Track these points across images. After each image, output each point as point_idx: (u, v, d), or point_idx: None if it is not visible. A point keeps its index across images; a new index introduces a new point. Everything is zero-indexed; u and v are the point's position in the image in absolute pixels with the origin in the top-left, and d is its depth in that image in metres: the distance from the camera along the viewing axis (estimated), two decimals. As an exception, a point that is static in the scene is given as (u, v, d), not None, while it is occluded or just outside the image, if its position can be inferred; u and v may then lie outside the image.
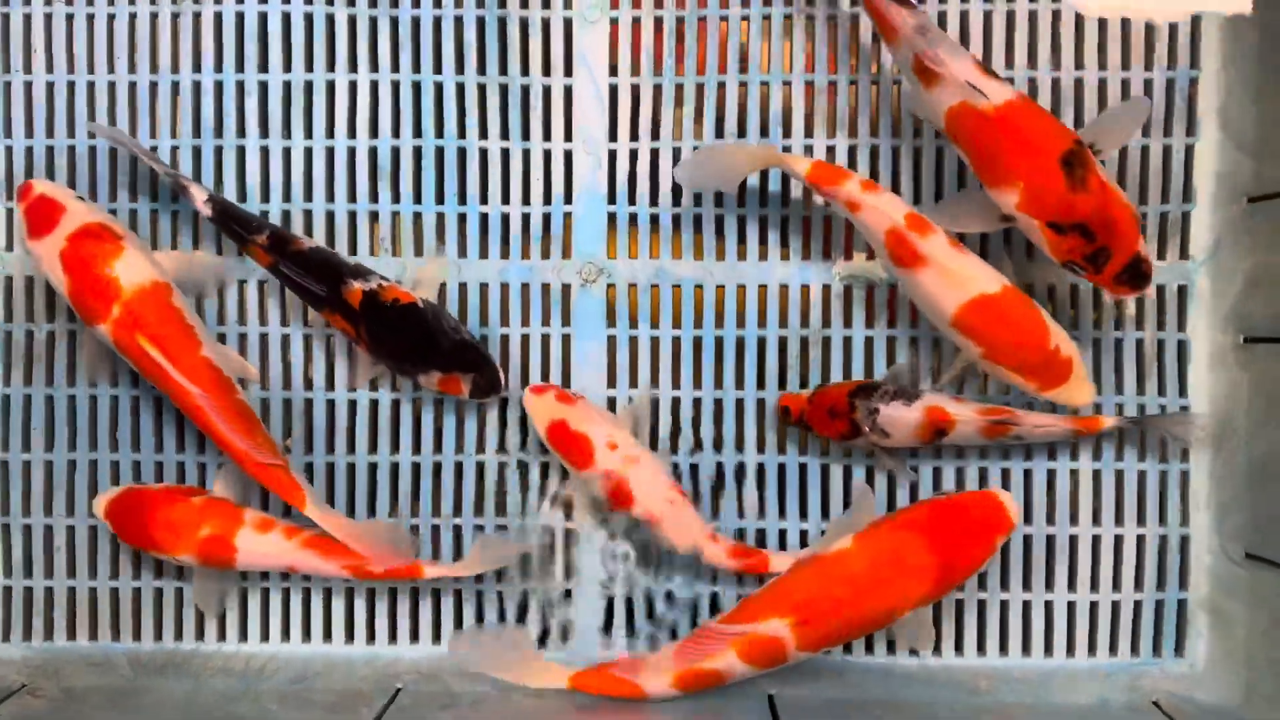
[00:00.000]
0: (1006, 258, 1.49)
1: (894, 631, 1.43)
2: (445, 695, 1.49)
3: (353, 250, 1.57)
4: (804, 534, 1.55)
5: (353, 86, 1.57)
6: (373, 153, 1.57)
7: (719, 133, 1.56)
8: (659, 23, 1.56)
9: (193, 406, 1.45)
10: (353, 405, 1.57)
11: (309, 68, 1.57)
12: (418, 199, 1.57)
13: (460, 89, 1.57)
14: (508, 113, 1.57)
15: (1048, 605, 1.55)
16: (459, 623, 1.56)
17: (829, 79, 1.56)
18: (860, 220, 1.43)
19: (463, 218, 1.57)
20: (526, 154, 1.57)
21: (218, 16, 1.56)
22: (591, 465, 1.47)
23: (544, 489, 1.57)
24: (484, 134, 1.57)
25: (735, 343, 1.56)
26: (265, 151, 1.57)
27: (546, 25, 1.56)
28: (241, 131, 1.57)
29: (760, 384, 1.56)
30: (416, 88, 1.57)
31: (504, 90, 1.57)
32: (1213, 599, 1.54)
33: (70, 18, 1.57)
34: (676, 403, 1.56)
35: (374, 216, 1.57)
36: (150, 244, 1.56)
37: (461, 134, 1.57)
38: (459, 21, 1.56)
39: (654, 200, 1.57)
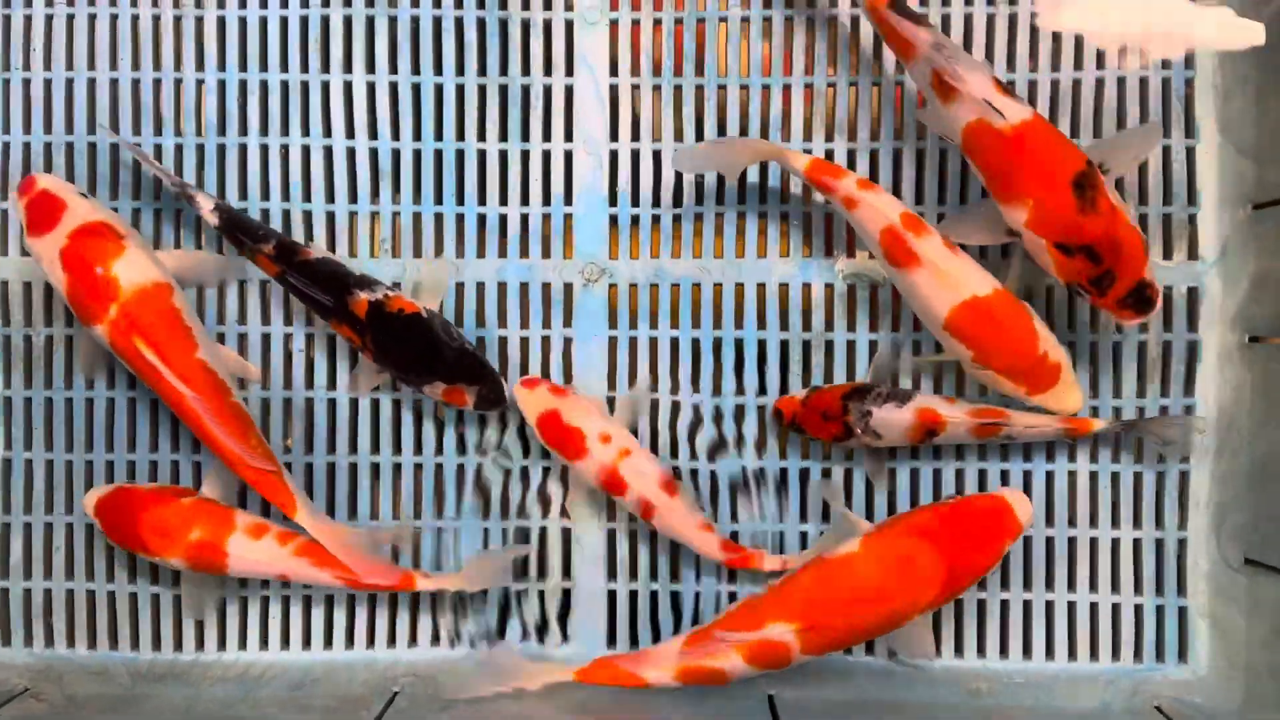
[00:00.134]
0: (1017, 258, 1.49)
1: (892, 641, 1.42)
2: (442, 699, 1.48)
3: (353, 251, 1.56)
4: (804, 535, 1.55)
5: (352, 87, 1.57)
6: (373, 153, 1.57)
7: (720, 134, 1.56)
8: (659, 24, 1.56)
9: (186, 409, 1.44)
10: (354, 405, 1.57)
11: (308, 68, 1.57)
12: (418, 199, 1.57)
13: (460, 90, 1.56)
14: (508, 113, 1.56)
15: (1049, 607, 1.55)
16: (457, 624, 1.56)
17: (829, 81, 1.56)
18: (856, 218, 1.43)
19: (462, 218, 1.57)
20: (526, 155, 1.56)
21: (220, 19, 1.56)
22: (584, 457, 1.47)
23: (544, 491, 1.56)
24: (484, 135, 1.56)
25: (735, 344, 1.56)
26: (265, 151, 1.57)
27: (547, 26, 1.56)
28: (243, 131, 1.57)
29: (761, 385, 1.56)
30: (417, 88, 1.57)
31: (504, 91, 1.56)
32: (1213, 604, 1.54)
33: (71, 18, 1.57)
34: (677, 404, 1.56)
35: (374, 217, 1.57)
36: (153, 242, 1.56)
37: (461, 135, 1.56)
38: (459, 22, 1.56)
39: (655, 201, 1.56)
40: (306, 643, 1.57)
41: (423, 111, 1.57)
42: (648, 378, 1.56)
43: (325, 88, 1.57)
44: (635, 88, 1.56)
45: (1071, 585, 1.55)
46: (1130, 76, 1.54)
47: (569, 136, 1.56)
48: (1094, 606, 1.55)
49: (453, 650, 1.56)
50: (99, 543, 1.56)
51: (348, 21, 1.56)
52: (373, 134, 1.57)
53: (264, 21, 1.56)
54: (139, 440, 1.57)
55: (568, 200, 1.56)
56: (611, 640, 1.56)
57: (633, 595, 1.56)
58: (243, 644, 1.57)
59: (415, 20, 1.56)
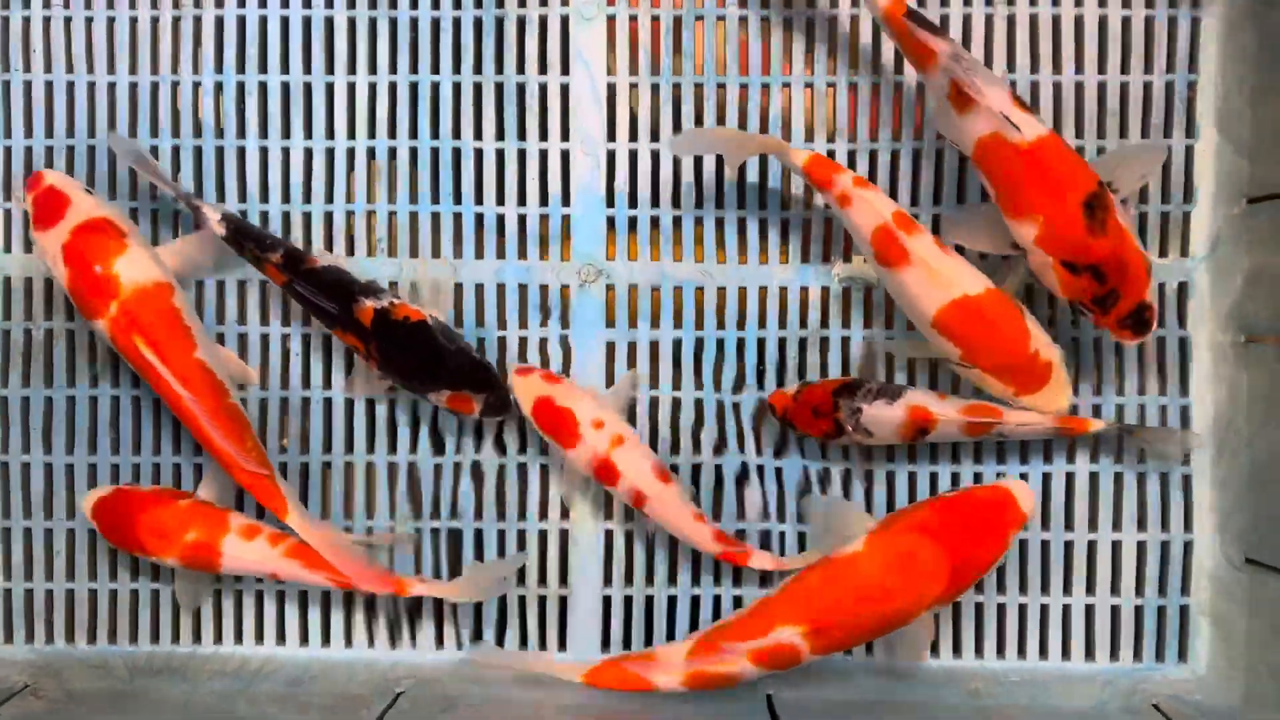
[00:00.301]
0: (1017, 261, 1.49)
1: (890, 641, 1.42)
2: (444, 699, 1.48)
3: (350, 250, 1.57)
4: (802, 536, 1.55)
5: (351, 87, 1.57)
6: (370, 153, 1.57)
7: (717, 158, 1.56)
8: (656, 21, 1.56)
9: (182, 409, 1.45)
10: (349, 406, 1.57)
11: (307, 69, 1.57)
12: (415, 199, 1.57)
13: (457, 89, 1.57)
14: (505, 113, 1.57)
15: (1047, 608, 1.55)
16: (457, 626, 1.57)
17: (828, 81, 1.56)
18: (849, 216, 1.43)
19: (460, 218, 1.57)
20: (524, 154, 1.57)
21: (218, 20, 1.57)
22: (577, 444, 1.48)
23: (544, 491, 1.57)
24: (480, 134, 1.57)
25: (735, 344, 1.56)
26: (264, 152, 1.57)
27: (544, 23, 1.56)
28: (241, 132, 1.57)
29: (760, 386, 1.56)
30: (414, 88, 1.57)
31: (501, 90, 1.57)
32: (1214, 604, 1.53)
33: (69, 20, 1.57)
34: (676, 404, 1.56)
35: (371, 216, 1.57)
36: (153, 241, 1.56)
37: (458, 134, 1.57)
38: (456, 22, 1.57)
39: (654, 201, 1.57)
40: (304, 639, 1.57)
41: (420, 111, 1.57)
42: (649, 385, 1.56)
43: (325, 88, 1.57)
44: (633, 86, 1.57)
45: (1069, 586, 1.55)
46: (1133, 79, 1.54)
47: (566, 136, 1.57)
48: (1092, 607, 1.55)
49: (456, 652, 1.57)
50: (98, 542, 1.56)
51: (347, 22, 1.57)
52: (370, 133, 1.57)
53: (263, 22, 1.57)
54: (141, 442, 1.57)
55: (565, 201, 1.57)
56: (606, 645, 1.56)
57: (628, 600, 1.56)
58: (239, 638, 1.57)
59: (414, 20, 1.57)
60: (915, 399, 1.46)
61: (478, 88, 1.57)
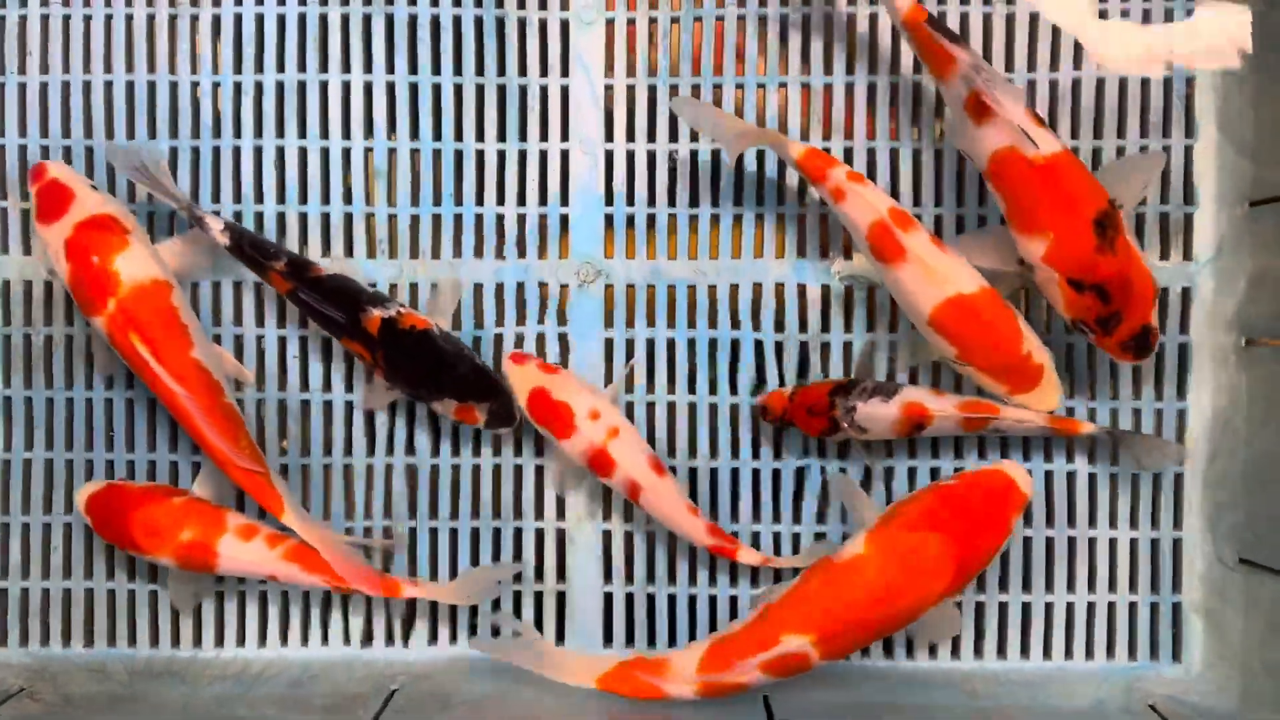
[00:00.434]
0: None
1: (914, 630, 1.42)
2: (441, 697, 1.49)
3: (349, 251, 1.56)
4: (796, 537, 1.55)
5: (348, 87, 1.57)
6: (368, 153, 1.57)
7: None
8: (654, 23, 1.56)
9: (178, 408, 1.44)
10: (349, 408, 1.57)
11: (304, 69, 1.56)
12: (414, 200, 1.56)
13: (457, 90, 1.56)
14: (505, 114, 1.56)
15: (1045, 608, 1.55)
16: (454, 625, 1.57)
17: (825, 81, 1.55)
18: (845, 211, 1.43)
19: (459, 218, 1.57)
20: (523, 155, 1.56)
21: (215, 19, 1.56)
22: (573, 435, 1.47)
23: (540, 490, 1.57)
24: (481, 135, 1.56)
25: (731, 344, 1.56)
26: (261, 152, 1.57)
27: (543, 26, 1.56)
28: (238, 132, 1.57)
29: (759, 386, 1.56)
30: (413, 89, 1.56)
31: (501, 91, 1.56)
32: (1208, 603, 1.54)
33: (66, 19, 1.56)
34: (673, 405, 1.56)
35: (370, 218, 1.57)
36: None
37: (458, 135, 1.56)
38: (456, 22, 1.56)
39: (651, 201, 1.56)
40: (305, 640, 1.57)
41: (419, 112, 1.56)
42: (646, 387, 1.56)
43: (322, 88, 1.57)
44: (631, 88, 1.56)
45: (1070, 585, 1.55)
46: (1131, 77, 1.54)
47: (565, 136, 1.56)
48: (1090, 606, 1.55)
49: (452, 649, 1.57)
50: (96, 543, 1.56)
51: (344, 21, 1.56)
52: (369, 134, 1.57)
53: (260, 20, 1.56)
54: (137, 441, 1.57)
55: (564, 200, 1.56)
56: (608, 642, 1.57)
57: (628, 598, 1.57)
58: (240, 641, 1.57)
59: (412, 20, 1.56)
60: (911, 396, 1.46)
61: (478, 89, 1.56)
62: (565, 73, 1.56)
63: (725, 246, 1.56)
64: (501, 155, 1.56)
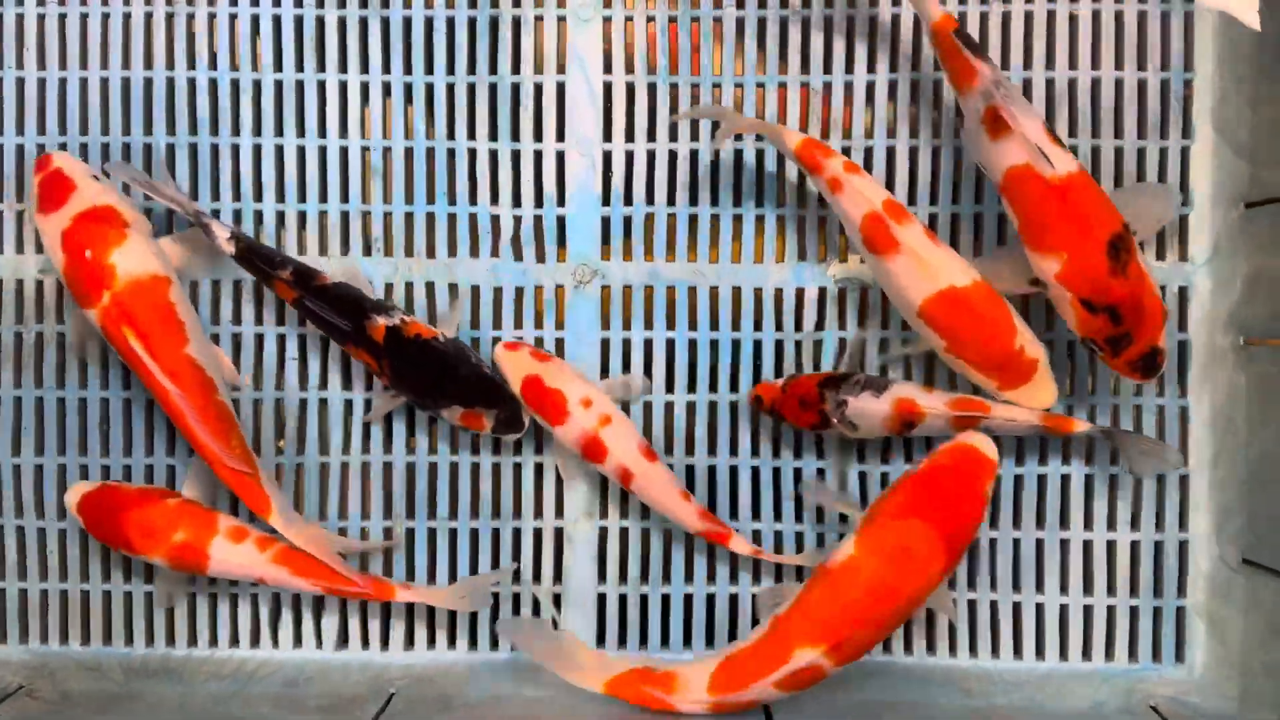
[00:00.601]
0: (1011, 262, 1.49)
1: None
2: (440, 700, 1.48)
3: (344, 250, 1.56)
4: (799, 536, 1.55)
5: (345, 86, 1.57)
6: (364, 152, 1.57)
7: (713, 134, 1.55)
8: (652, 22, 1.56)
9: (169, 404, 1.44)
10: (346, 407, 1.57)
11: (302, 68, 1.56)
12: (409, 199, 1.56)
13: (451, 89, 1.56)
14: (499, 113, 1.56)
15: (1043, 608, 1.55)
16: (452, 628, 1.56)
17: (824, 80, 1.55)
18: (840, 201, 1.43)
19: (454, 218, 1.56)
20: (518, 155, 1.56)
21: (210, 17, 1.56)
22: (565, 421, 1.47)
23: (538, 490, 1.56)
24: (475, 134, 1.56)
25: (730, 345, 1.56)
26: (258, 150, 1.57)
27: (539, 24, 1.56)
28: (235, 131, 1.57)
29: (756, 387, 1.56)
30: (408, 88, 1.56)
31: (495, 90, 1.56)
32: (1210, 604, 1.53)
33: (63, 17, 1.57)
34: (670, 406, 1.56)
35: (365, 217, 1.57)
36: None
37: (453, 134, 1.56)
38: (451, 21, 1.56)
39: (649, 201, 1.56)
40: (300, 640, 1.57)
41: (414, 110, 1.56)
42: (641, 375, 1.56)
43: (318, 87, 1.57)
44: (629, 87, 1.56)
45: (1065, 586, 1.55)
46: (1128, 75, 1.53)
47: (561, 136, 1.56)
48: (1089, 607, 1.55)
49: (450, 652, 1.57)
50: (93, 543, 1.56)
51: (341, 21, 1.56)
52: (364, 133, 1.57)
53: (255, 20, 1.56)
54: (133, 442, 1.57)
55: (560, 201, 1.56)
56: (600, 642, 1.56)
57: (623, 599, 1.56)
58: (235, 640, 1.57)
59: (407, 19, 1.56)
60: (902, 392, 1.46)
61: (472, 88, 1.56)
62: (561, 71, 1.56)
63: (724, 248, 1.56)
64: (495, 155, 1.56)
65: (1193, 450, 1.54)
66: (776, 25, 1.55)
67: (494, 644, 1.57)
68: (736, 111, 1.52)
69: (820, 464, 1.55)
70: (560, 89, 1.56)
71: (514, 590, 1.56)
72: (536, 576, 1.56)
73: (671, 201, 1.56)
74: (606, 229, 1.56)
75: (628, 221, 1.56)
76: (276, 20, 1.56)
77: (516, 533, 1.57)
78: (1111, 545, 1.55)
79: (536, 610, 1.56)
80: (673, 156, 1.56)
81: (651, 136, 1.56)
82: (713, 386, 1.56)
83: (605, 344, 1.56)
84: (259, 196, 1.56)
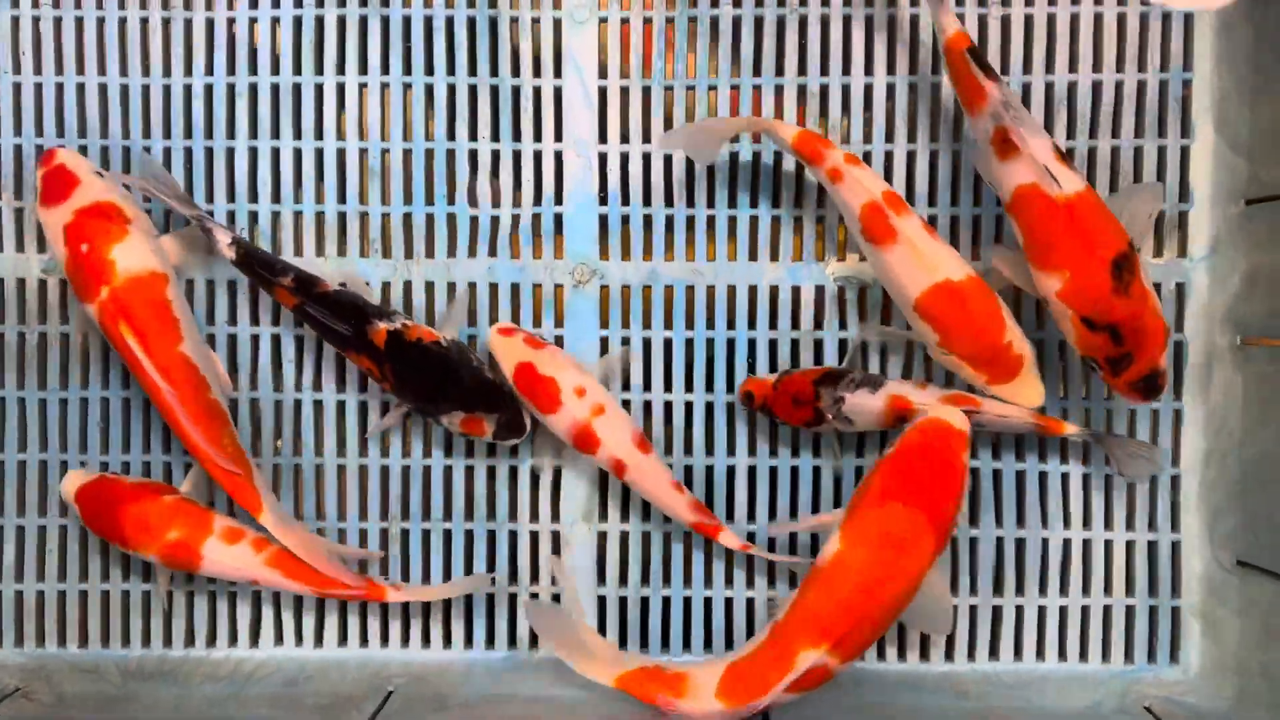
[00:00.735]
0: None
1: (908, 618, 1.39)
2: (437, 699, 1.49)
3: (342, 251, 1.56)
4: (793, 537, 1.55)
5: (343, 88, 1.57)
6: (363, 154, 1.57)
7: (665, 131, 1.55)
8: (649, 23, 1.56)
9: (161, 401, 1.44)
10: (342, 408, 1.57)
11: (299, 70, 1.56)
12: (408, 200, 1.56)
13: (450, 90, 1.56)
14: (498, 114, 1.56)
15: (1040, 610, 1.55)
16: (449, 627, 1.57)
17: (820, 82, 1.55)
18: (839, 192, 1.43)
19: (453, 218, 1.57)
20: (517, 155, 1.56)
21: (209, 21, 1.56)
22: (558, 410, 1.47)
23: (535, 491, 1.56)
24: (474, 135, 1.56)
25: (727, 344, 1.56)
26: (255, 153, 1.57)
27: (536, 26, 1.56)
28: (231, 133, 1.57)
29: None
30: (406, 89, 1.56)
31: (494, 91, 1.56)
32: (1205, 605, 1.53)
33: (59, 21, 1.57)
34: (669, 405, 1.56)
35: (364, 217, 1.57)
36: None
37: (451, 135, 1.56)
38: (449, 22, 1.56)
39: (646, 201, 1.56)
40: (299, 640, 1.57)
41: (412, 112, 1.56)
42: (642, 387, 1.56)
43: (316, 89, 1.57)
44: (625, 88, 1.56)
45: (1063, 587, 1.55)
46: (1127, 76, 1.54)
47: (559, 137, 1.56)
48: (1085, 608, 1.55)
49: (447, 651, 1.57)
50: (90, 544, 1.56)
51: (340, 22, 1.56)
52: (362, 134, 1.57)
53: (252, 23, 1.56)
54: (132, 443, 1.57)
55: (558, 200, 1.56)
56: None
57: (622, 601, 1.56)
58: (233, 641, 1.57)
59: (405, 20, 1.56)
60: (895, 389, 1.46)
61: (471, 89, 1.56)
62: (558, 73, 1.56)
63: (722, 247, 1.56)
64: (495, 155, 1.56)
65: (1187, 450, 1.54)
66: (773, 27, 1.55)
67: (490, 642, 1.57)
68: (723, 119, 1.51)
69: (816, 462, 1.55)
70: (557, 90, 1.56)
71: (511, 591, 1.56)
72: (534, 579, 1.56)
73: (669, 201, 1.56)
74: (605, 229, 1.56)
75: (626, 221, 1.56)
76: (274, 21, 1.56)
77: (513, 535, 1.57)
78: (1107, 545, 1.55)
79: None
80: (669, 158, 1.56)
81: (648, 137, 1.56)
82: (710, 386, 1.56)
83: (604, 343, 1.56)
84: (255, 198, 1.57)
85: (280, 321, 1.56)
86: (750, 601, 1.55)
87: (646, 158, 1.56)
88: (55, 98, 1.57)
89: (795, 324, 1.55)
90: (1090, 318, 1.36)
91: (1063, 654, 1.55)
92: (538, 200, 1.56)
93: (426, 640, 1.57)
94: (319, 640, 1.57)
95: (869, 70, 1.55)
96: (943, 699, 1.50)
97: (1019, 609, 1.55)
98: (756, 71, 1.55)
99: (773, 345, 1.55)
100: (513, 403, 1.49)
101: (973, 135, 1.42)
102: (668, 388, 1.56)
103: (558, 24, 1.55)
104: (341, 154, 1.57)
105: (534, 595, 1.56)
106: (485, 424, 1.48)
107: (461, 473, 1.57)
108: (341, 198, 1.57)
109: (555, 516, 1.56)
